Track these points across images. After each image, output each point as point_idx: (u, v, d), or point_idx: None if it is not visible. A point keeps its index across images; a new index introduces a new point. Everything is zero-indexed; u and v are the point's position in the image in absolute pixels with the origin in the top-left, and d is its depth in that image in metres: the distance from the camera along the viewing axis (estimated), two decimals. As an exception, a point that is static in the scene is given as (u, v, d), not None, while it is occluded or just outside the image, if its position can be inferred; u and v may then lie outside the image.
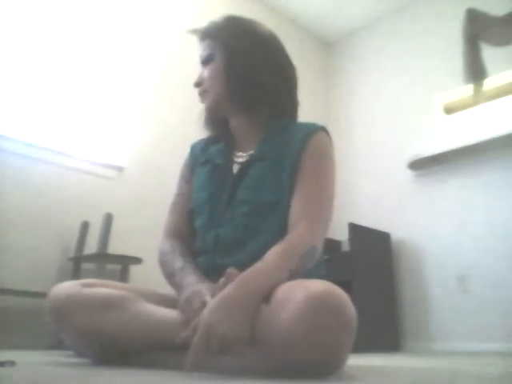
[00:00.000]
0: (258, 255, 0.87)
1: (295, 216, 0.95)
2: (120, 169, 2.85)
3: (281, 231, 0.95)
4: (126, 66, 3.03)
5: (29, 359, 1.22)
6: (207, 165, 1.12)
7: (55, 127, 2.66)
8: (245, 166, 1.04)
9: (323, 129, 1.07)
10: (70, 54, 2.79)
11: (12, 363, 0.91)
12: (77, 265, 2.41)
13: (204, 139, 1.20)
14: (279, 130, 1.07)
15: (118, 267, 2.49)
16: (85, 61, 2.86)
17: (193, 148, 1.20)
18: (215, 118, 1.14)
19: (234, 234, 0.99)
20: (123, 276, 2.45)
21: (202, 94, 1.09)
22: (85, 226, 2.50)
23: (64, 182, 2.56)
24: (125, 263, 2.47)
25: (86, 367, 0.92)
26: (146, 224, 2.78)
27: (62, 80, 2.74)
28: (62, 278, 2.40)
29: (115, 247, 2.49)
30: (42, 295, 2.32)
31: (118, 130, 2.91)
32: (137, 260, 2.45)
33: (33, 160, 2.47)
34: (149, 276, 2.68)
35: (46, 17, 2.72)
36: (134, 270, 2.54)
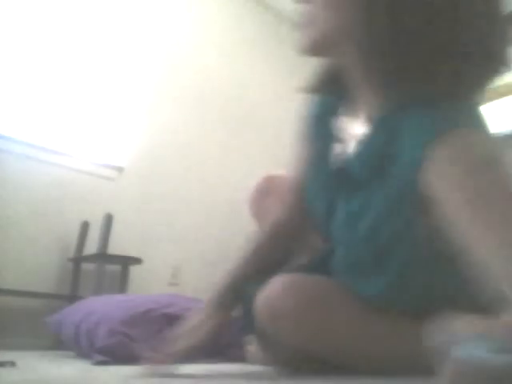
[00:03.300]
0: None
1: None
2: (120, 169, 2.84)
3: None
4: (126, 65, 3.02)
5: (29, 359, 1.22)
6: (323, 142, 0.77)
7: (55, 127, 2.66)
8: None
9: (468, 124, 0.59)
10: (70, 54, 2.79)
11: (12, 364, 0.90)
12: (77, 265, 2.41)
13: (323, 98, 0.80)
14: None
15: (118, 268, 2.49)
16: (85, 60, 2.86)
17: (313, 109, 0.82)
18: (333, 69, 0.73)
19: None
20: (123, 276, 2.46)
21: (304, 26, 0.67)
22: (85, 227, 2.50)
23: (64, 182, 2.56)
24: (125, 264, 2.47)
25: (87, 367, 0.92)
26: (146, 224, 2.78)
27: (61, 79, 2.73)
28: (61, 278, 2.41)
29: (115, 247, 2.49)
30: (42, 295, 2.33)
31: (119, 130, 2.91)
32: (137, 260, 2.45)
33: (32, 160, 2.47)
34: (149, 277, 2.69)
35: (45, 15, 2.72)
36: (134, 270, 2.54)
